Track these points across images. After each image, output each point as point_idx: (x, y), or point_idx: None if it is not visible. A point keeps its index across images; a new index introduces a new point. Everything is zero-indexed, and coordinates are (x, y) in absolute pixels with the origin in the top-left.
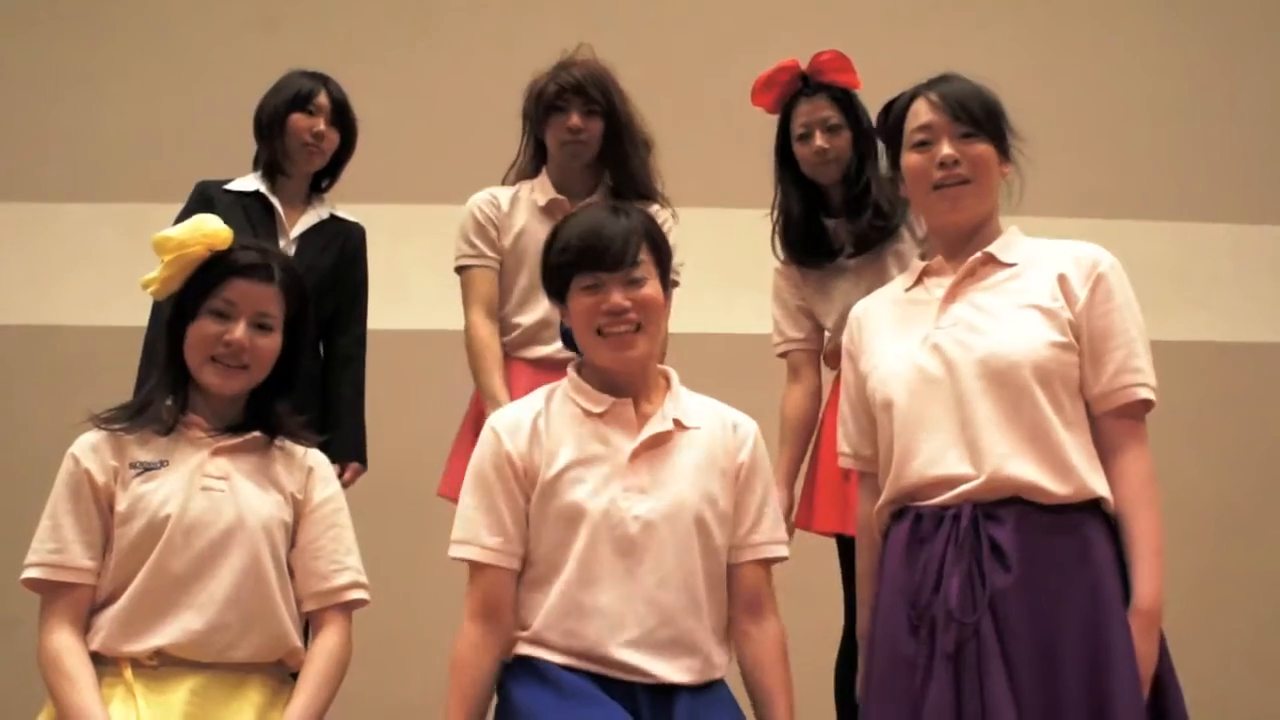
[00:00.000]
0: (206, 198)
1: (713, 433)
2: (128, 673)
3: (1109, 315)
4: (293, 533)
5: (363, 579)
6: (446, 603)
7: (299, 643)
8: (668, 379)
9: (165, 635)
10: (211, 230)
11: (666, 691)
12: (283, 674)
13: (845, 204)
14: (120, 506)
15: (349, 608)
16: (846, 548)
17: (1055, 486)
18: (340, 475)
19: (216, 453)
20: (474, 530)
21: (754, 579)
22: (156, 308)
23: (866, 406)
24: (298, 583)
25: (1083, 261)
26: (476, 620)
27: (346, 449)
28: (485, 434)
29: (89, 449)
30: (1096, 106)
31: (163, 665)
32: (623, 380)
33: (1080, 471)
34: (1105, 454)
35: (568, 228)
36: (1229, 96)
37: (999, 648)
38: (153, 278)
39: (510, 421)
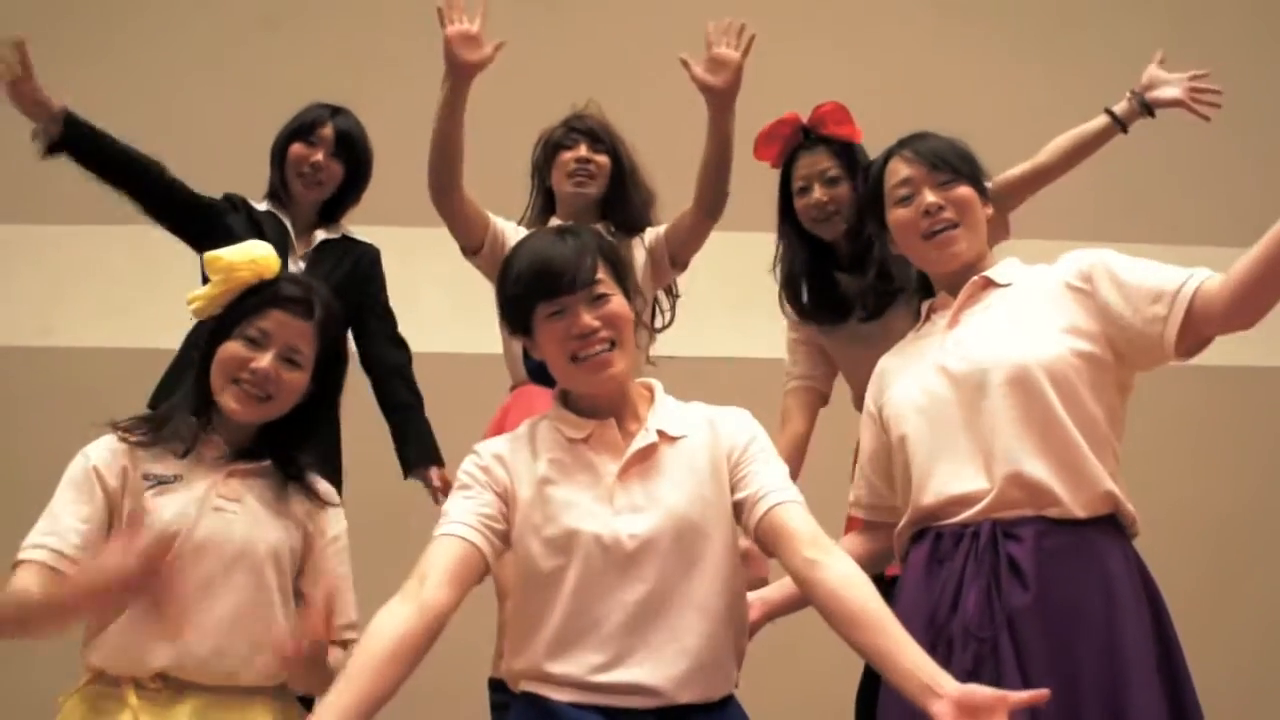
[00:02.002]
0: (232, 205)
1: (700, 436)
2: (131, 698)
3: (1131, 281)
4: (300, 560)
5: (356, 619)
6: (451, 626)
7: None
8: (651, 391)
9: (167, 656)
10: (261, 257)
11: (677, 717)
12: (288, 696)
13: (851, 260)
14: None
15: (342, 646)
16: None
17: (1069, 491)
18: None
19: (231, 475)
20: (455, 515)
21: (792, 519)
22: (192, 333)
23: (884, 467)
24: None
25: (1081, 262)
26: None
27: (424, 455)
28: (469, 458)
29: (104, 451)
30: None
31: (166, 687)
32: (604, 403)
33: (1095, 476)
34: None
35: (518, 258)
36: (1231, 120)
37: (1017, 666)
38: (198, 295)
39: (493, 446)
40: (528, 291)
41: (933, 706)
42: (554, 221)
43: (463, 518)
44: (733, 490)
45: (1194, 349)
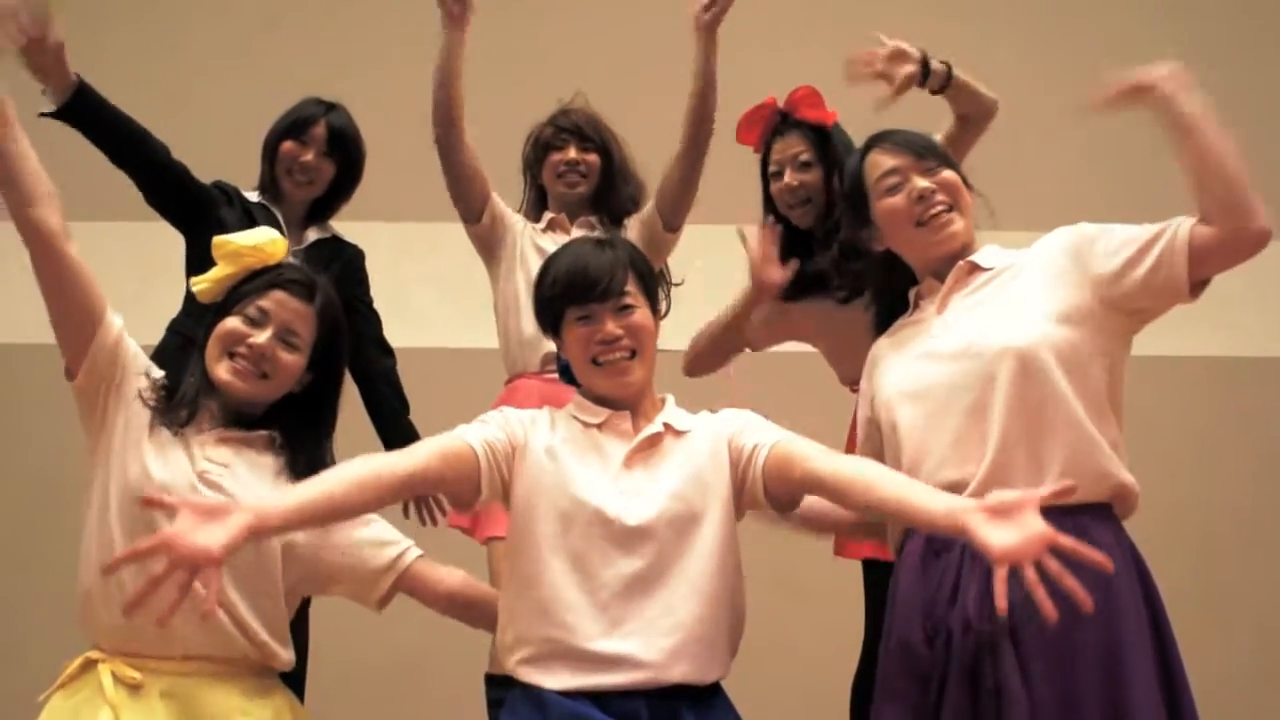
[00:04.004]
0: (225, 195)
1: (702, 429)
2: (108, 688)
3: (1120, 239)
4: (311, 533)
5: (408, 543)
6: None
7: (266, 638)
8: (664, 401)
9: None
10: (268, 243)
11: (669, 704)
12: (269, 674)
13: (822, 241)
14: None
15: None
16: (872, 573)
17: (1068, 475)
18: None
19: (222, 440)
20: (461, 430)
21: (799, 444)
22: (173, 323)
23: (876, 453)
24: (354, 586)
25: (1064, 239)
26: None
27: None
28: (490, 412)
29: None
30: (1106, 118)
31: (146, 675)
32: (622, 401)
33: (1095, 459)
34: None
35: (556, 263)
36: (1240, 110)
37: (1015, 657)
38: (203, 278)
39: (515, 411)
40: (561, 295)
41: (967, 520)
42: (548, 215)
43: (469, 433)
44: (733, 464)
45: (1199, 289)
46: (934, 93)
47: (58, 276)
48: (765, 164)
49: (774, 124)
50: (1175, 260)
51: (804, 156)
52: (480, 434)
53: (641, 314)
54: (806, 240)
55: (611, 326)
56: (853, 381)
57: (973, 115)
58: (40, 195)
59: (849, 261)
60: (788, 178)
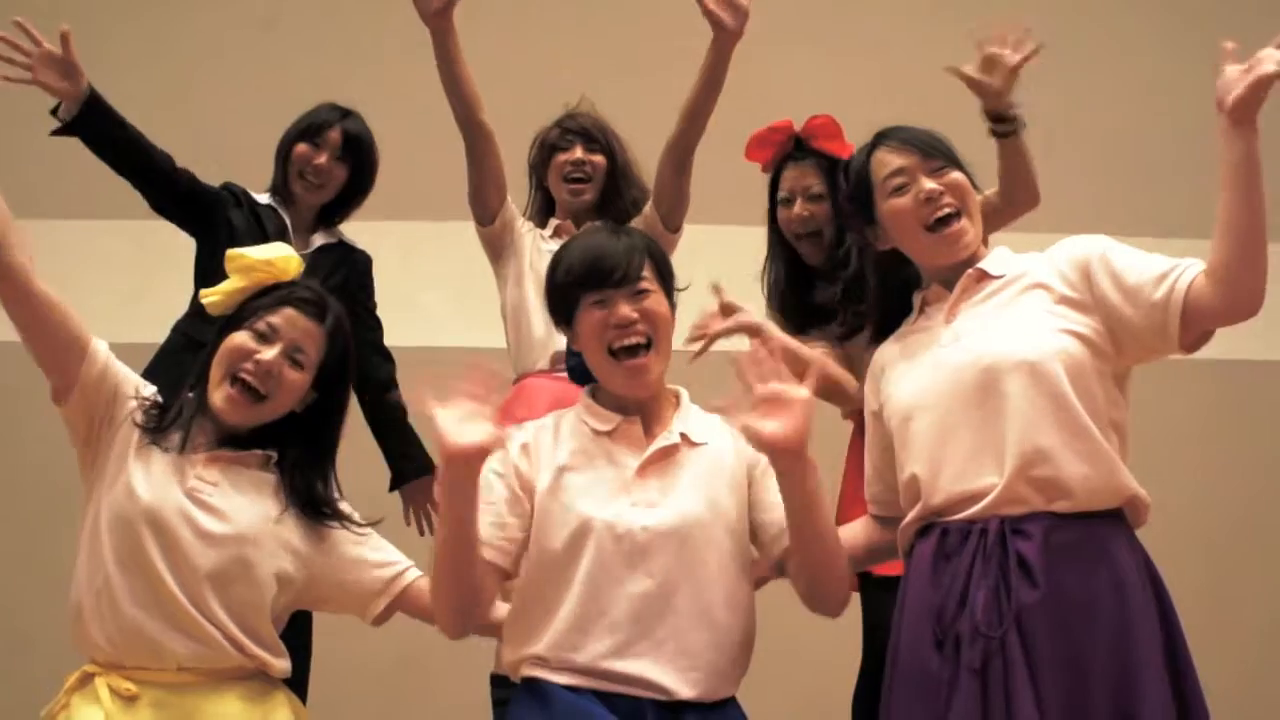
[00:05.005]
0: (234, 196)
1: (721, 446)
2: (106, 701)
3: (1127, 272)
4: (305, 559)
5: (407, 563)
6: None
7: (258, 651)
8: (678, 398)
9: (144, 634)
10: (281, 259)
11: (675, 710)
12: (271, 682)
13: (825, 274)
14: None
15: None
16: (867, 586)
17: (1081, 484)
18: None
19: (213, 460)
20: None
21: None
22: (178, 324)
23: (891, 459)
24: (349, 606)
25: (1075, 252)
26: None
27: (420, 465)
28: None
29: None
30: (1110, 121)
31: (141, 688)
32: (632, 402)
33: (1108, 468)
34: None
35: (570, 251)
36: None
37: (1025, 663)
38: (214, 291)
39: (518, 435)
40: (577, 281)
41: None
42: (554, 221)
43: (483, 537)
44: (751, 508)
45: (1198, 342)
46: (997, 133)
47: (30, 315)
48: (774, 186)
49: (788, 149)
50: (1171, 309)
51: (816, 188)
52: (489, 533)
53: (657, 300)
54: (811, 274)
55: (627, 310)
56: (853, 413)
57: (1016, 196)
58: (4, 243)
59: (854, 301)
60: (798, 208)
